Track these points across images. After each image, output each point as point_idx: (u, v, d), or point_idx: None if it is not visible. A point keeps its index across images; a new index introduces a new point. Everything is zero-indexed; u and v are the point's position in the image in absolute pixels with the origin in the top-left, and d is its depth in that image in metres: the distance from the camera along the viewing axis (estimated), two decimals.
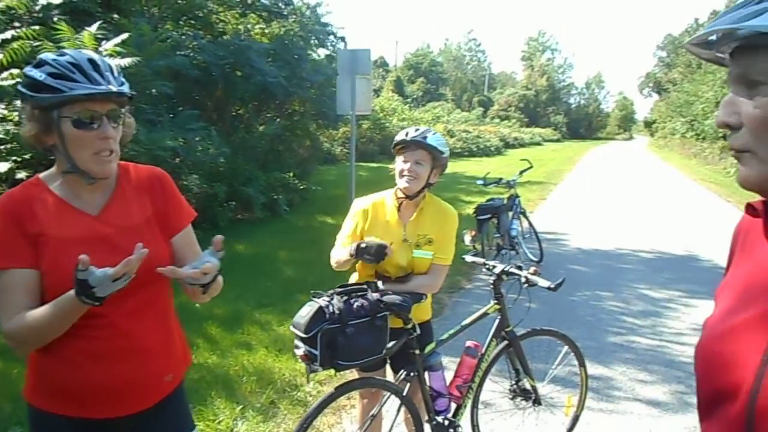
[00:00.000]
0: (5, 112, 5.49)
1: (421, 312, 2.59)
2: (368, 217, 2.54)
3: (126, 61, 5.71)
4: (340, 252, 2.51)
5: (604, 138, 74.38)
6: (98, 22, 6.00)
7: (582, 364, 3.06)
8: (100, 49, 5.67)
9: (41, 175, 1.54)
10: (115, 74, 1.44)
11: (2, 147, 5.48)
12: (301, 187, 11.24)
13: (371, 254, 2.33)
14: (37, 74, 1.38)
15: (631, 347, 4.62)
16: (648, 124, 64.79)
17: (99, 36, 5.87)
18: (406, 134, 2.48)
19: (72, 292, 1.31)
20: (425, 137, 2.44)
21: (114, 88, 1.40)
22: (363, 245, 2.36)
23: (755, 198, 0.86)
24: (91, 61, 1.41)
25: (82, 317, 1.39)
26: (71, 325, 1.40)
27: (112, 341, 1.48)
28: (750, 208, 0.87)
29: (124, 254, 1.29)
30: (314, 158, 13.27)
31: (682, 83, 39.21)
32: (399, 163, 2.49)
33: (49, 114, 1.39)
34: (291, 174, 10.95)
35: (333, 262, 2.57)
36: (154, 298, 1.58)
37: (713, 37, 0.79)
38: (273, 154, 11.01)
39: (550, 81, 73.68)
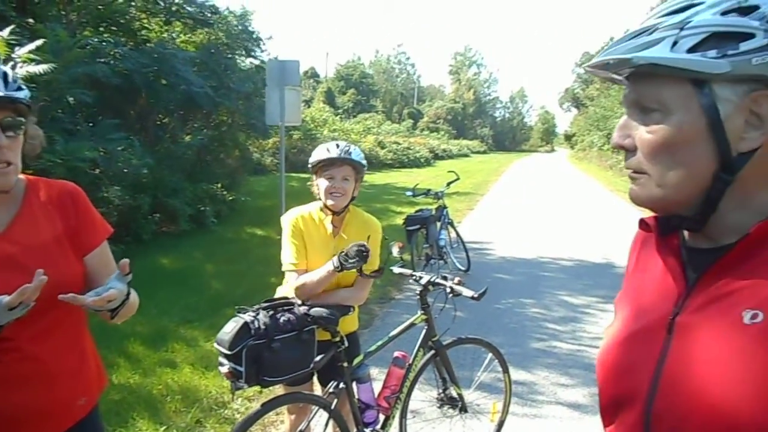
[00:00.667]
0: None
1: (348, 324, 2.60)
2: (302, 232, 2.49)
3: (41, 68, 5.42)
4: (312, 275, 2.40)
5: (528, 150, 77.36)
6: (11, 27, 5.67)
7: (506, 371, 3.15)
8: (14, 55, 5.37)
9: None
10: (9, 80, 1.37)
11: None
12: (230, 198, 11.01)
13: (353, 256, 2.28)
14: None
15: (553, 352, 4.80)
16: (568, 137, 67.75)
17: (12, 41, 5.54)
18: (328, 150, 2.45)
19: None
20: (350, 153, 2.43)
21: (1, 93, 1.33)
22: (343, 253, 2.31)
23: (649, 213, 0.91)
24: None
25: None
26: None
27: (19, 366, 1.41)
28: (643, 224, 0.92)
29: (31, 275, 1.23)
30: (244, 169, 13.02)
31: (599, 99, 41.16)
32: (323, 181, 2.45)
33: None
34: (219, 185, 10.70)
35: (300, 290, 2.40)
36: (64, 319, 1.51)
37: (610, 62, 0.81)
38: (200, 164, 10.73)
39: (476, 95, 76.10)
